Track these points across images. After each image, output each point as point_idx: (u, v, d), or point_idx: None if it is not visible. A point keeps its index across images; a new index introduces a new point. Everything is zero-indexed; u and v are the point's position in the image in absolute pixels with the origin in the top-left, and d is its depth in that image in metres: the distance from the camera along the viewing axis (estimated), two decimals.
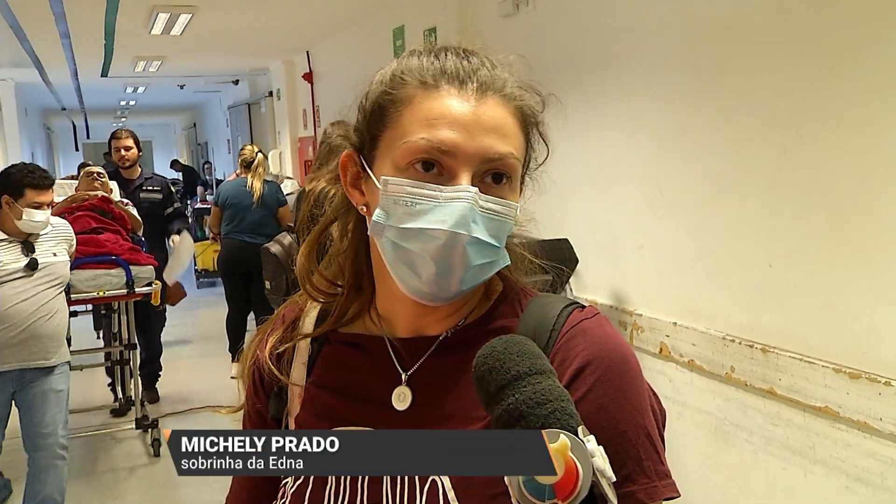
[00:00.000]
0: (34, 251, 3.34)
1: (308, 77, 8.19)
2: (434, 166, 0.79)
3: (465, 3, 4.44)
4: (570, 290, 3.25)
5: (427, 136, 0.79)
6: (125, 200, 4.93)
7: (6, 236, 3.32)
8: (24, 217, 3.28)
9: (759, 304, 2.49)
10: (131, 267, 4.21)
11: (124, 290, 4.19)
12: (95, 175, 4.86)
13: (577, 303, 0.87)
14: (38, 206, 3.31)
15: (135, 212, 4.83)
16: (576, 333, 0.82)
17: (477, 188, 0.79)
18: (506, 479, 0.67)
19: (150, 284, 4.29)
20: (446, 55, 0.84)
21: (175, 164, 16.59)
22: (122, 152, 5.30)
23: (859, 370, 2.12)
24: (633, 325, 3.10)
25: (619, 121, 3.19)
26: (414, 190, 0.79)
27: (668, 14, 2.83)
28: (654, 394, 0.84)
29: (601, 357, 0.80)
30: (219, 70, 10.23)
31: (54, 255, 3.40)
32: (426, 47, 0.86)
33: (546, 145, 0.91)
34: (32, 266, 3.28)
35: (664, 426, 0.84)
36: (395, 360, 0.88)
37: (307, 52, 8.15)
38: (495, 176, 0.81)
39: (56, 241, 3.46)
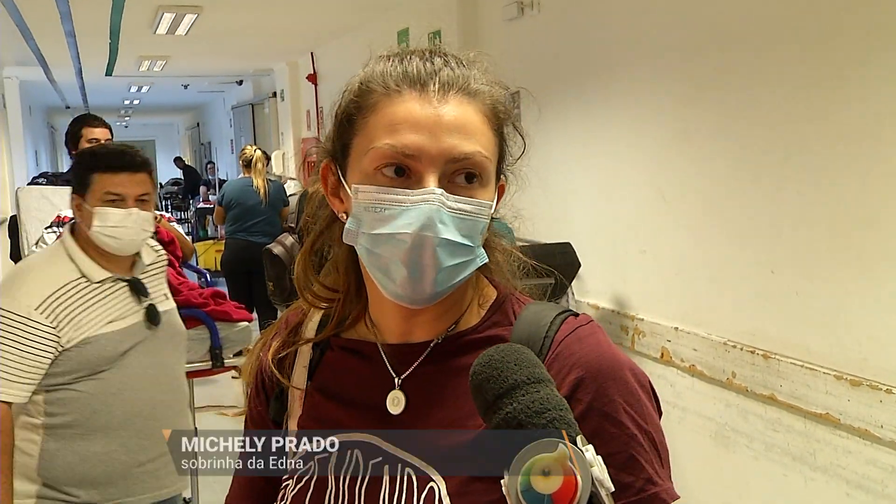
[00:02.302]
0: (147, 293, 2.00)
1: (312, 78, 8.20)
2: (402, 171, 0.80)
3: (470, 6, 4.45)
4: (573, 294, 3.25)
5: (391, 140, 0.79)
6: (166, 214, 3.60)
7: (107, 273, 1.94)
8: (94, 224, 1.89)
9: (760, 310, 2.49)
10: (218, 325, 2.78)
11: (208, 362, 2.78)
12: None
13: (570, 310, 0.87)
14: (117, 200, 1.91)
15: (180, 229, 3.51)
16: (571, 342, 0.82)
17: (443, 189, 0.79)
18: (503, 487, 0.67)
19: (240, 353, 2.88)
20: (410, 59, 0.84)
21: (178, 161, 16.61)
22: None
23: (860, 377, 2.11)
24: (634, 329, 3.10)
25: (622, 126, 3.19)
26: (381, 196, 0.80)
27: (672, 21, 2.83)
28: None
29: (599, 366, 0.80)
30: (223, 70, 10.24)
31: (166, 296, 2.12)
32: (393, 51, 0.87)
33: (522, 139, 0.90)
34: (153, 317, 1.98)
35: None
36: (388, 365, 0.89)
37: (311, 54, 8.16)
38: (465, 176, 0.81)
39: (163, 273, 2.15)
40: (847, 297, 2.18)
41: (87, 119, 3.73)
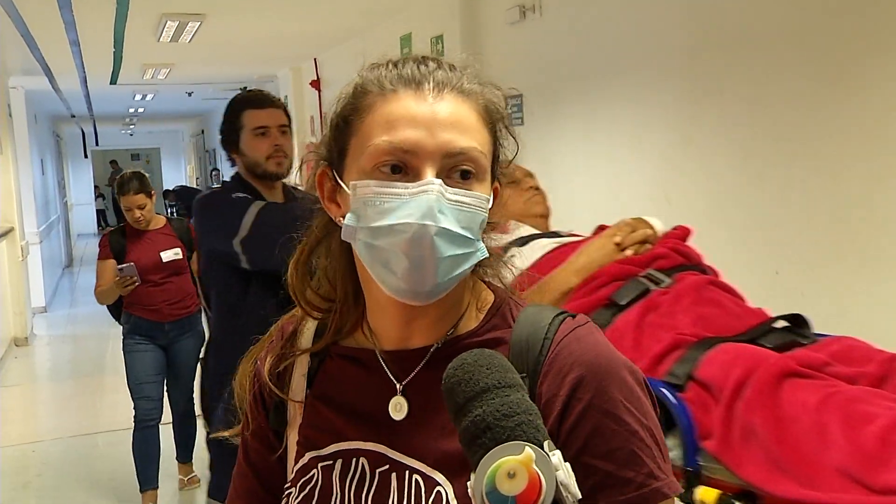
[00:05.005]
0: None
1: (315, 84, 8.23)
2: (399, 169, 0.81)
3: (473, 10, 4.46)
4: None
5: (388, 137, 0.80)
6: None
7: None
8: None
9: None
10: None
11: None
12: None
13: (567, 312, 0.87)
14: None
15: None
16: (569, 342, 0.83)
17: (441, 180, 0.80)
18: (469, 490, 0.67)
19: None
20: (404, 63, 0.86)
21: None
22: (276, 135, 2.37)
23: None
24: None
25: (625, 129, 3.19)
26: (380, 189, 0.80)
27: (674, 23, 2.83)
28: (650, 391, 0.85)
29: (598, 364, 0.81)
30: (227, 77, 10.27)
31: None
32: (387, 59, 0.88)
33: (515, 140, 0.91)
34: None
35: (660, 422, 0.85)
36: (388, 371, 0.89)
37: (314, 60, 8.18)
38: (461, 172, 0.82)
39: None
40: (852, 298, 2.18)
41: (249, 99, 2.37)
